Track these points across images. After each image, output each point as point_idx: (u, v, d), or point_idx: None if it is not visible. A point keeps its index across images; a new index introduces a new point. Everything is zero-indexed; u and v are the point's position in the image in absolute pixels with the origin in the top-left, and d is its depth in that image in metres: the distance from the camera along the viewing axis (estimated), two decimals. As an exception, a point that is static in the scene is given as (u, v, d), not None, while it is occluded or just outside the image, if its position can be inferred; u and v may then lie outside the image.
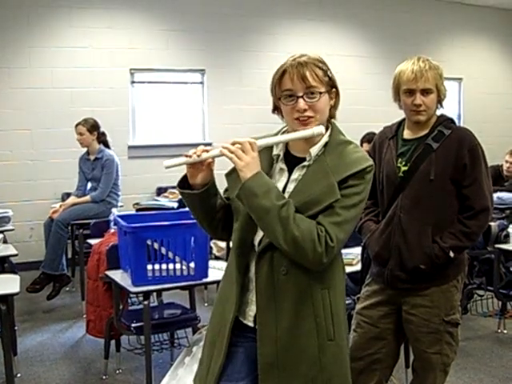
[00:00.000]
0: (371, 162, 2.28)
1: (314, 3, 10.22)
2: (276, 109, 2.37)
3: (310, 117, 2.24)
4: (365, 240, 3.38)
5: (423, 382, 3.30)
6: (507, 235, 5.39)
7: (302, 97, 2.23)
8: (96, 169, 7.02)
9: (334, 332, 2.30)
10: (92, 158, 7.08)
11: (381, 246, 3.22)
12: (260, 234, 2.28)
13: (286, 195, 2.26)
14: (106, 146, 7.14)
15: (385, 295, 3.28)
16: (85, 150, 7.16)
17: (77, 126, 6.98)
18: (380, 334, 3.27)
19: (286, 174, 2.33)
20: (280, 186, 2.30)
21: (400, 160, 3.20)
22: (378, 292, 3.31)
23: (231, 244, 2.44)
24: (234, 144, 2.19)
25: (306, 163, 2.30)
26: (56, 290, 6.80)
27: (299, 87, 2.23)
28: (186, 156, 2.22)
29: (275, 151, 2.36)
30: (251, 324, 2.34)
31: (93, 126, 6.98)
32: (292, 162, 2.34)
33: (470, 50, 11.72)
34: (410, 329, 3.24)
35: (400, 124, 3.33)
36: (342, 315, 2.38)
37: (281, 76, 2.26)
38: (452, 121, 3.26)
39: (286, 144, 2.37)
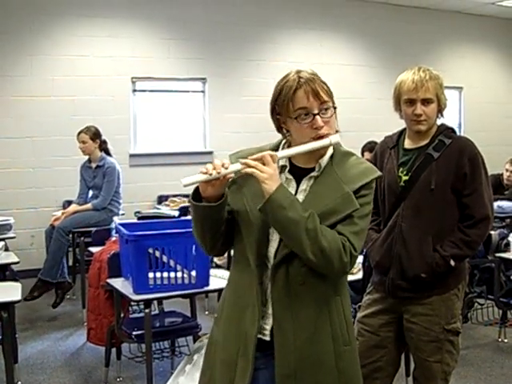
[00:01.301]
0: (379, 172, 2.34)
1: (315, 13, 10.25)
2: (279, 128, 2.34)
3: (327, 133, 2.24)
4: (366, 249, 3.40)
5: None
6: (508, 244, 5.40)
7: (318, 114, 2.22)
8: (97, 177, 7.03)
9: (349, 336, 2.34)
10: (93, 165, 7.10)
11: (382, 255, 3.23)
12: (274, 245, 2.28)
13: None
14: (108, 153, 7.16)
15: (386, 304, 3.29)
16: (86, 157, 7.18)
17: (79, 134, 7.00)
18: (381, 342, 3.27)
19: (293, 184, 2.32)
20: None
21: (401, 169, 3.22)
22: (378, 300, 3.32)
23: (232, 256, 2.44)
24: (253, 159, 2.16)
25: (314, 174, 2.30)
26: (60, 297, 6.80)
27: (315, 104, 2.21)
28: (206, 173, 2.12)
29: (281, 162, 2.33)
30: (268, 338, 2.30)
31: (95, 134, 7.00)
32: (297, 173, 2.33)
33: (470, 59, 11.75)
34: (410, 337, 3.25)
35: (401, 133, 3.35)
36: (351, 319, 2.42)
37: (293, 94, 2.21)
38: (452, 130, 3.28)
39: (293, 156, 2.34)
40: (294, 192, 2.30)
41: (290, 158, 2.34)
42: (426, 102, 3.11)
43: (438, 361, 3.19)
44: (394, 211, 3.22)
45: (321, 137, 2.23)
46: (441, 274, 3.13)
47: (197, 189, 2.21)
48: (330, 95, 2.26)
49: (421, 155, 3.17)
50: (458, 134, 3.31)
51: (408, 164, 3.21)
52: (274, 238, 2.27)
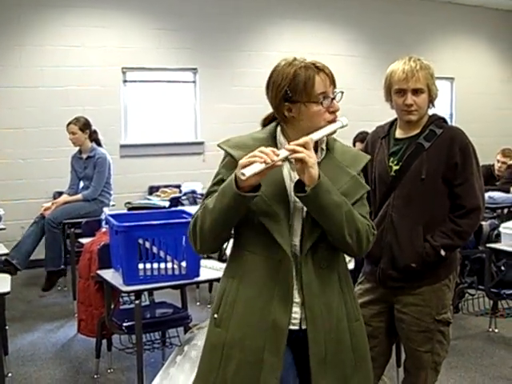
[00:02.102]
0: (369, 156, 2.49)
1: (306, 3, 10.21)
2: (282, 114, 2.32)
3: (336, 117, 2.34)
4: None
5: (415, 381, 3.30)
6: (498, 234, 5.40)
7: (334, 98, 2.31)
8: (88, 167, 7.02)
9: (357, 312, 2.45)
10: (84, 156, 7.08)
11: (373, 245, 3.23)
12: (298, 233, 2.29)
13: None
14: (98, 144, 7.14)
15: (377, 294, 3.29)
16: (77, 148, 7.15)
17: (68, 125, 6.98)
18: (372, 332, 3.26)
19: None
20: None
21: (392, 159, 3.21)
22: (370, 290, 3.32)
23: (241, 250, 2.39)
24: (297, 145, 2.17)
25: (318, 160, 2.30)
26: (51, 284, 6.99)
27: (331, 89, 2.30)
28: (264, 162, 2.09)
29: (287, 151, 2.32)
30: (297, 327, 2.32)
31: (84, 125, 6.98)
32: None
33: (462, 50, 11.75)
34: (401, 327, 3.26)
35: (392, 123, 3.34)
36: (355, 295, 2.54)
37: (314, 79, 2.25)
38: (444, 120, 3.27)
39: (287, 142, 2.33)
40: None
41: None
42: (416, 92, 3.10)
43: (428, 351, 3.21)
44: (384, 201, 3.22)
45: (333, 120, 2.31)
46: (431, 264, 3.13)
47: (235, 180, 2.15)
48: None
49: (411, 145, 3.17)
50: (449, 123, 3.31)
51: (399, 154, 3.20)
52: (296, 225, 2.30)
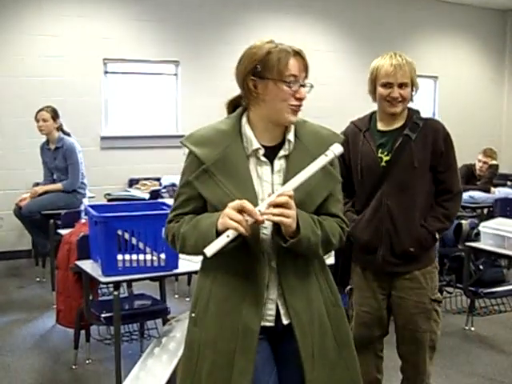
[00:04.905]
0: (342, 136, 2.43)
1: (290, -2, 10.20)
2: (249, 91, 2.29)
3: (301, 106, 2.27)
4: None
5: (416, 363, 3.48)
6: (478, 233, 5.44)
7: (303, 85, 2.25)
8: (57, 159, 6.93)
9: (336, 299, 2.43)
10: (52, 147, 6.97)
11: (370, 234, 3.35)
12: (268, 230, 2.25)
13: (277, 188, 2.23)
14: (65, 133, 7.05)
15: (377, 282, 3.42)
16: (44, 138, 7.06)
17: (40, 111, 6.87)
18: (383, 321, 3.49)
19: (267, 167, 2.28)
20: (267, 179, 2.27)
21: (381, 150, 3.33)
22: (369, 282, 3.44)
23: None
24: (275, 206, 2.09)
25: (286, 152, 2.29)
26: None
27: (302, 76, 2.25)
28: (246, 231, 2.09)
29: (255, 145, 2.27)
30: (272, 324, 2.32)
31: (56, 114, 6.87)
32: (266, 151, 2.29)
33: (446, 49, 11.78)
34: (400, 312, 3.40)
35: (371, 117, 3.44)
36: (334, 283, 2.48)
37: (288, 60, 2.22)
38: (418, 112, 3.41)
39: (256, 136, 2.29)
40: (269, 174, 2.28)
41: (256, 137, 2.30)
42: (402, 85, 3.23)
43: (426, 330, 3.38)
44: (375, 191, 3.33)
45: (296, 111, 2.26)
46: (426, 248, 3.32)
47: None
48: None
49: (399, 136, 3.29)
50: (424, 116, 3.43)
51: (387, 145, 3.32)
52: (267, 223, 2.20)
